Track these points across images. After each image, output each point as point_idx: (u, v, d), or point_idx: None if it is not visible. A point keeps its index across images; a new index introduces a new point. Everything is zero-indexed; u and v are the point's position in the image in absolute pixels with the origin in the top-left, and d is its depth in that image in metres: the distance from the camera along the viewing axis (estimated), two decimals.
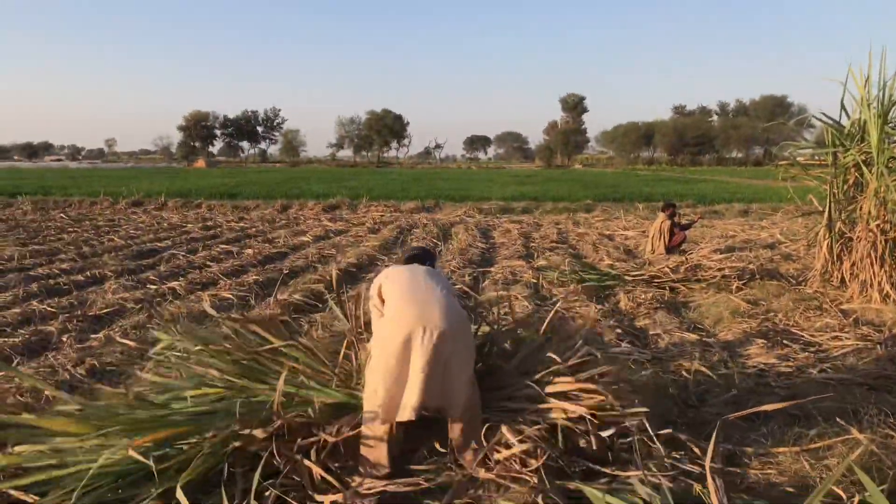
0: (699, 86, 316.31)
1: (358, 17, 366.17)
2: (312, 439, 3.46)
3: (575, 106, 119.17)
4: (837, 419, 4.03)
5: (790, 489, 3.29)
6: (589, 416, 3.46)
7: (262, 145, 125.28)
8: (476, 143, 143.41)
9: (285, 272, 9.58)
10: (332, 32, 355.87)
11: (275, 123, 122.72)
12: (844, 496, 2.89)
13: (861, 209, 7.72)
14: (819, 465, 3.50)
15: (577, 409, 3.46)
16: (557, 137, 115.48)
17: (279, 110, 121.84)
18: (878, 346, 5.75)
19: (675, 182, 39.16)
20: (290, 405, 3.65)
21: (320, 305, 7.48)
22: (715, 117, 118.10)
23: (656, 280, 8.58)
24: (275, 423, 3.40)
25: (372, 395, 3.45)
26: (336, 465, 3.46)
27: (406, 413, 3.35)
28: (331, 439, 3.42)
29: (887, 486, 3.21)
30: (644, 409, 3.58)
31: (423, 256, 4.18)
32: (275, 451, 3.33)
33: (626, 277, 8.69)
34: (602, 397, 3.49)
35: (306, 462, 3.32)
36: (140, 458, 2.98)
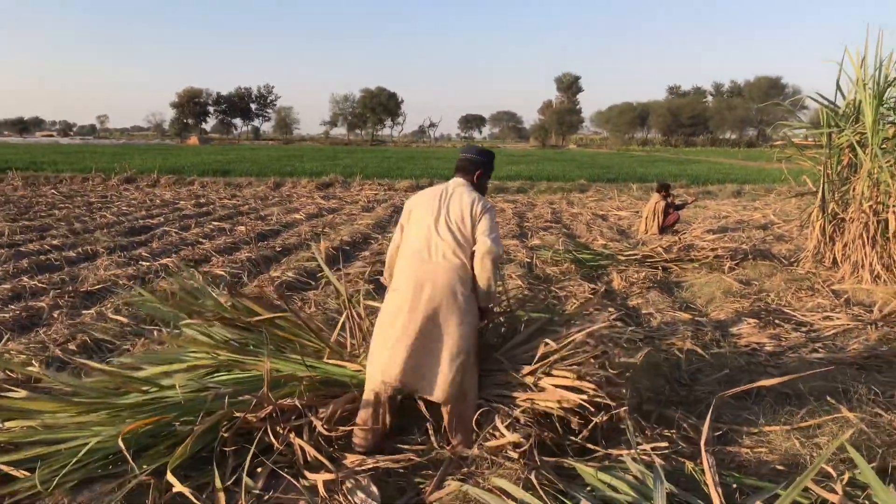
0: (694, 66, 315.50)
1: None
2: (304, 420, 3.45)
3: (570, 86, 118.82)
4: (828, 398, 4.06)
5: (781, 467, 3.31)
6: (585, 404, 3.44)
7: (256, 123, 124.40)
8: (471, 122, 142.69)
9: (278, 250, 9.55)
10: (327, 9, 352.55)
11: (268, 101, 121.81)
12: (834, 473, 2.91)
13: (854, 190, 7.72)
14: (809, 444, 3.53)
15: (572, 402, 3.41)
16: (552, 117, 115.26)
17: (272, 87, 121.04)
18: (869, 327, 5.78)
19: (668, 163, 39.17)
20: (280, 385, 3.64)
21: (313, 283, 7.47)
22: (709, 98, 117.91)
23: (649, 260, 8.58)
24: (266, 408, 3.38)
25: (369, 359, 3.49)
26: (329, 443, 3.46)
27: (390, 376, 3.36)
28: (322, 429, 3.39)
29: (876, 464, 3.24)
30: (637, 397, 3.57)
31: (472, 165, 3.72)
32: (268, 430, 3.33)
33: (620, 257, 8.69)
34: (596, 387, 3.44)
35: (298, 441, 3.31)
36: (126, 453, 2.95)
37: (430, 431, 3.54)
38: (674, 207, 11.57)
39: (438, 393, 3.38)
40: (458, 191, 3.58)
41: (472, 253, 3.42)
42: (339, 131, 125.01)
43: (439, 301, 3.33)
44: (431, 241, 3.43)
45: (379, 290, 6.00)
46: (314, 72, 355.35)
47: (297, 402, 3.48)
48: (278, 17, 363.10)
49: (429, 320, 3.33)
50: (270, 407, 3.38)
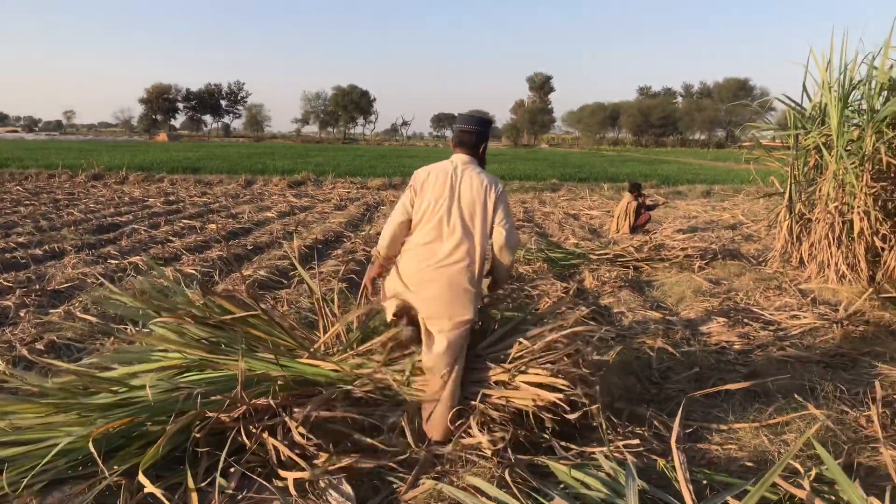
0: (664, 67, 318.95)
1: None
2: (278, 420, 3.42)
3: (542, 85, 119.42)
4: (795, 396, 4.13)
5: (750, 463, 3.37)
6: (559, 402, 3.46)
7: (226, 119, 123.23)
8: (443, 120, 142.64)
9: (250, 248, 9.47)
10: (298, 6, 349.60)
11: (239, 97, 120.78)
12: (802, 469, 2.96)
13: (820, 191, 7.86)
14: (777, 441, 3.59)
15: (547, 399, 3.43)
16: (524, 117, 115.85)
17: (243, 84, 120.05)
18: (835, 325, 5.89)
19: (639, 163, 39.56)
20: (253, 384, 3.60)
21: (285, 282, 7.42)
22: (679, 99, 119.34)
23: (620, 259, 8.66)
24: (239, 408, 3.35)
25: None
26: (304, 441, 3.43)
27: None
28: (295, 430, 3.36)
29: (842, 460, 3.31)
30: (609, 395, 3.60)
31: (476, 138, 3.59)
32: (241, 430, 3.29)
33: (591, 256, 8.76)
34: (570, 384, 3.47)
35: (272, 441, 3.28)
36: (96, 455, 2.90)
37: (406, 431, 3.54)
38: (645, 208, 11.70)
39: (435, 361, 3.43)
40: (466, 173, 3.52)
41: (483, 242, 3.47)
42: (311, 129, 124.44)
43: (446, 298, 3.40)
44: (443, 234, 3.46)
45: (353, 290, 5.99)
46: (286, 69, 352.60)
47: (270, 402, 3.45)
48: (249, 12, 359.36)
49: (433, 314, 3.42)
50: (244, 407, 3.35)
